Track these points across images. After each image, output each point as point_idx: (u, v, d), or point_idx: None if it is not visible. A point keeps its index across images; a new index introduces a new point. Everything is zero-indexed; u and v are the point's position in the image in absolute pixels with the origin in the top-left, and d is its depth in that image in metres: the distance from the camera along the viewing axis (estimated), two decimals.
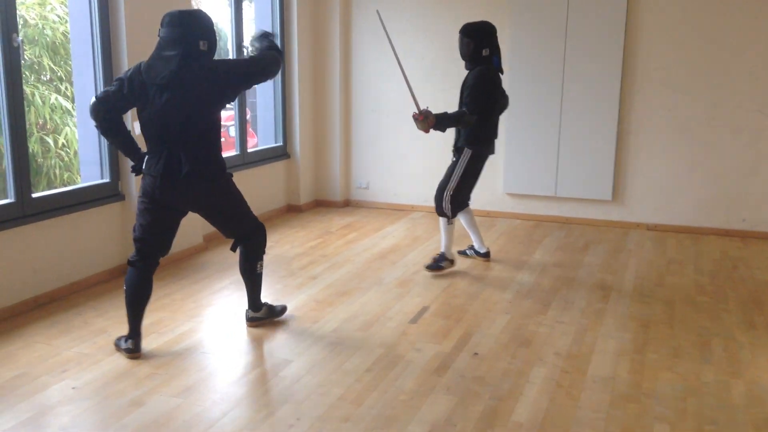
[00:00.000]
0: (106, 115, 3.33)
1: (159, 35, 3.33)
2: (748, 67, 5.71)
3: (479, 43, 4.57)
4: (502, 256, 5.32)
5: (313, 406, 2.99)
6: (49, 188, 6.12)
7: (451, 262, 4.86)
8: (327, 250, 5.49)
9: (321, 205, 7.13)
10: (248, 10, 6.59)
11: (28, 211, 4.07)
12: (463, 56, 4.67)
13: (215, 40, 3.39)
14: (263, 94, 6.78)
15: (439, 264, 4.82)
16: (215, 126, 3.48)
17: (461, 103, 4.65)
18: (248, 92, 6.40)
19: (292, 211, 6.89)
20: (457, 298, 4.38)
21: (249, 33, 6.77)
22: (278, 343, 3.69)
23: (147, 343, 3.62)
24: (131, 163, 3.51)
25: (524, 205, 6.55)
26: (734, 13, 5.67)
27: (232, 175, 3.63)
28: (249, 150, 6.31)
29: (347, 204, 7.17)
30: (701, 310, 4.18)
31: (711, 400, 3.06)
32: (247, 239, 3.74)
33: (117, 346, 3.54)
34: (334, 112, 6.94)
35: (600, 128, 6.12)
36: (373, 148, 6.97)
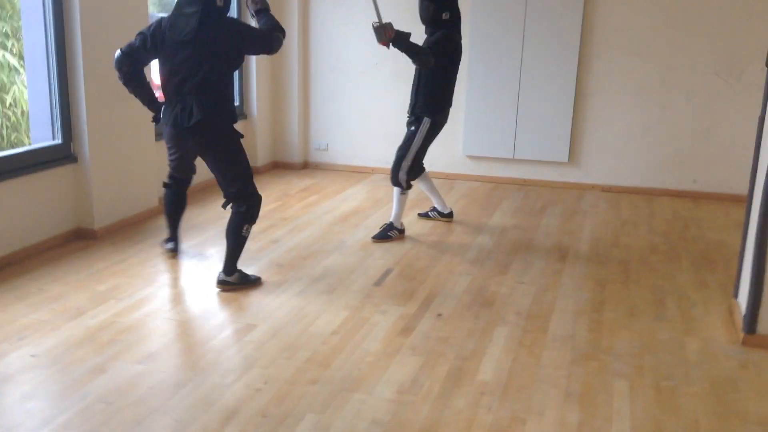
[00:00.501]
0: (130, 68, 3.72)
1: None
2: (705, 30, 5.80)
3: (440, 6, 4.46)
4: (462, 218, 5.36)
5: (280, 370, 2.99)
6: None
7: (401, 231, 4.84)
8: (287, 213, 5.45)
9: (279, 167, 7.05)
10: None
11: None
12: (423, 20, 4.55)
13: None
14: None
15: (387, 234, 4.77)
16: (229, 81, 3.78)
17: (417, 74, 4.62)
18: None
19: None
20: (420, 260, 4.41)
21: None
22: (242, 307, 3.67)
23: (105, 309, 3.55)
24: (152, 114, 3.96)
25: (483, 167, 6.59)
26: None
27: (242, 136, 3.81)
28: None
29: (306, 166, 7.10)
30: (655, 269, 4.30)
31: (667, 357, 3.18)
32: (239, 201, 3.80)
33: (162, 245, 4.35)
34: (292, 71, 6.81)
35: (558, 91, 6.17)
36: (332, 108, 6.89)
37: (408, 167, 4.72)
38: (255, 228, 4.96)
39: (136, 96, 3.89)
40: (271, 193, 6.02)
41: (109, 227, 4.75)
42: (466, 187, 6.36)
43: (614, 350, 3.22)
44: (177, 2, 3.59)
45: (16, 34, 6.17)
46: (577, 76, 6.12)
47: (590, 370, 3.03)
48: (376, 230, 4.85)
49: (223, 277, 3.84)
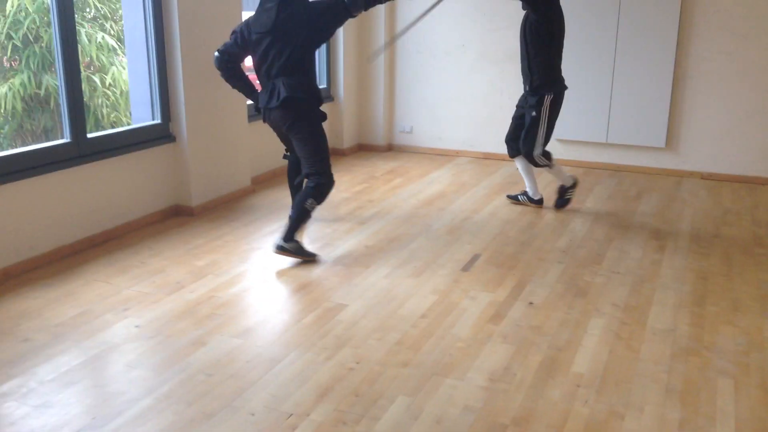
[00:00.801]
0: (227, 65, 4.02)
1: None
2: None
3: None
4: (552, 204, 5.24)
5: (371, 350, 3.01)
6: (97, 128, 6.15)
7: (574, 185, 4.99)
8: (373, 195, 5.47)
9: (364, 149, 7.08)
10: None
11: (83, 151, 4.10)
12: None
13: None
14: None
15: (564, 197, 5.00)
16: (311, 62, 3.94)
17: (525, 46, 4.57)
18: None
19: (335, 154, 6.84)
20: (509, 246, 4.34)
21: None
22: (332, 286, 3.71)
23: (204, 284, 3.67)
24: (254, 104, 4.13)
25: (574, 152, 6.41)
26: None
27: (325, 117, 4.01)
28: None
29: (390, 148, 7.10)
30: (760, 262, 4.08)
31: None
32: (312, 177, 3.98)
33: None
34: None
35: (655, 73, 5.91)
36: (417, 91, 6.85)
37: (541, 151, 4.74)
38: (343, 209, 5.04)
39: (239, 90, 4.16)
40: (357, 175, 6.06)
41: (205, 205, 4.90)
42: None
43: (717, 346, 3.08)
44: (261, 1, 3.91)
45: (114, 16, 6.41)
46: (676, 57, 5.84)
47: (692, 367, 2.91)
48: (462, 214, 4.80)
49: (280, 242, 3.95)
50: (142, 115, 4.78)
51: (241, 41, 3.94)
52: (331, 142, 6.85)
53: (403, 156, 6.84)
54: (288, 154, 4.45)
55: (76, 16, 4.04)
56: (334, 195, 5.39)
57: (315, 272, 3.89)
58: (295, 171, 4.41)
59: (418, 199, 5.36)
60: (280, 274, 3.90)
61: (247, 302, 3.50)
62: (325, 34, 4.02)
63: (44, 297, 3.48)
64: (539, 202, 5.11)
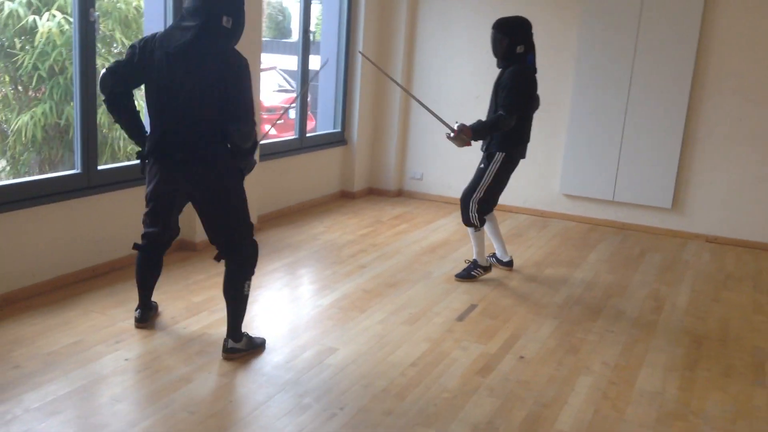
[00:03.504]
0: (115, 88, 3.17)
1: (183, 5, 3.14)
2: None
3: (514, 40, 4.29)
4: (554, 258, 5.25)
5: (356, 397, 3.02)
6: (113, 159, 6.28)
7: (485, 269, 4.65)
8: (377, 239, 5.51)
9: (374, 193, 7.16)
10: None
11: (93, 182, 4.20)
12: (496, 54, 4.38)
13: (242, 19, 3.10)
14: (325, 78, 6.82)
15: (471, 273, 4.60)
16: (225, 109, 3.10)
17: (495, 104, 4.40)
18: (310, 75, 6.45)
19: (345, 197, 6.93)
20: (506, 298, 4.35)
21: (315, 16, 6.81)
22: (325, 329, 3.73)
23: (198, 320, 3.71)
24: (137, 149, 3.28)
25: (580, 207, 6.44)
26: None
27: (242, 173, 3.27)
28: (307, 134, 6.37)
29: (400, 194, 7.17)
30: (757, 329, 4.05)
31: (762, 425, 2.98)
32: (236, 251, 3.25)
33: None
34: (394, 101, 6.93)
35: (665, 133, 5.96)
36: (429, 139, 6.94)
37: (477, 206, 4.52)
38: (345, 252, 5.08)
39: (121, 125, 3.32)
40: (364, 219, 6.11)
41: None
42: (561, 227, 6.22)
43: (705, 412, 3.05)
44: (180, 14, 3.15)
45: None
46: (686, 119, 5.89)
47: (677, 431, 2.88)
48: (464, 263, 4.80)
49: (231, 344, 3.30)
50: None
51: (139, 59, 3.11)
52: (343, 184, 6.95)
53: (412, 202, 6.90)
54: (144, 243, 3.47)
55: (101, 49, 4.16)
56: (338, 237, 5.47)
57: (310, 314, 3.92)
58: (153, 268, 3.55)
59: (421, 246, 5.39)
60: (274, 314, 3.93)
61: None
62: (223, 101, 3.11)
63: (40, 324, 3.54)
64: (509, 264, 4.88)
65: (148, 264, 3.54)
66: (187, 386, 3.02)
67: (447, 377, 3.25)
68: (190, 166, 3.15)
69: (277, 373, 3.22)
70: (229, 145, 3.17)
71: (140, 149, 3.27)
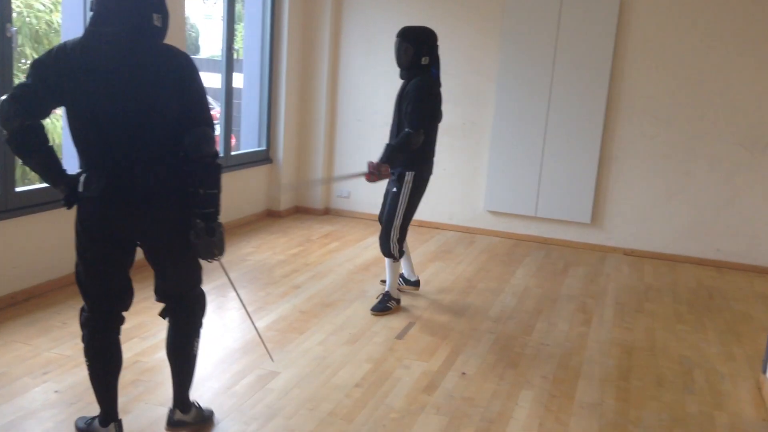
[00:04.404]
0: (25, 120, 2.38)
1: (92, 7, 2.41)
2: (731, 101, 5.85)
3: (419, 50, 4.14)
4: (483, 274, 5.34)
5: (303, 422, 2.95)
6: (23, 180, 5.95)
7: (398, 301, 4.43)
8: (309, 258, 5.45)
9: (301, 211, 7.08)
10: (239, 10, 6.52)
11: (10, 205, 3.96)
12: (400, 63, 4.22)
13: (168, 14, 2.53)
14: (248, 95, 6.72)
15: (387, 305, 4.34)
16: (177, 131, 2.49)
17: (399, 116, 4.25)
18: (233, 92, 6.32)
19: (271, 216, 6.82)
20: (442, 314, 4.39)
21: (239, 33, 6.70)
22: (265, 353, 3.63)
23: (129, 347, 3.53)
24: (61, 195, 2.52)
25: (504, 224, 6.59)
26: (720, 48, 5.81)
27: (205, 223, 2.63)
28: (232, 153, 6.25)
29: (327, 212, 7.13)
30: (682, 338, 4.25)
31: (696, 431, 3.11)
32: (185, 303, 2.77)
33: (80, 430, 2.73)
34: (319, 118, 6.90)
35: (583, 151, 6.20)
36: (356, 157, 6.94)
37: (398, 236, 4.31)
38: (277, 272, 4.99)
39: (32, 166, 2.51)
40: (293, 238, 6.04)
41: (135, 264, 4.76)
42: (487, 242, 6.35)
43: (643, 422, 3.16)
44: (92, 18, 2.41)
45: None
46: (602, 138, 6.16)
47: None
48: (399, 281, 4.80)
49: (179, 416, 2.82)
50: (74, 167, 4.65)
51: (56, 81, 2.39)
52: (268, 203, 6.84)
53: (340, 220, 6.88)
54: (93, 319, 2.65)
55: (22, 66, 3.95)
56: (269, 257, 5.37)
57: (246, 337, 3.82)
58: (113, 356, 2.69)
59: (354, 264, 5.37)
60: (211, 338, 3.80)
61: None
62: (182, 111, 2.49)
63: None
64: (416, 284, 4.74)
65: (106, 352, 2.64)
66: (124, 418, 2.86)
67: (393, 397, 3.23)
68: (150, 206, 2.51)
69: (219, 400, 3.11)
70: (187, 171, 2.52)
71: (65, 191, 2.49)
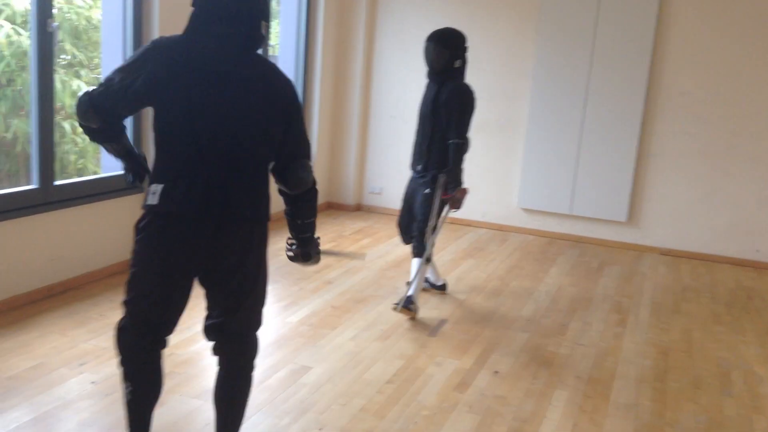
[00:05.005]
0: (105, 122, 2.25)
1: (195, 4, 2.20)
2: None
3: (454, 54, 4.08)
4: (517, 272, 5.30)
5: (335, 417, 2.96)
6: (61, 174, 6.06)
7: (416, 310, 4.16)
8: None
9: (332, 207, 7.10)
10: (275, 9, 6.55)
11: (50, 198, 4.03)
12: (435, 67, 4.11)
13: (270, 25, 2.34)
14: None
15: (408, 306, 4.09)
16: (271, 157, 2.30)
17: (432, 122, 4.16)
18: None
19: None
20: (475, 312, 4.36)
21: (275, 30, 6.73)
22: (297, 347, 3.65)
23: None
24: (128, 174, 2.42)
25: (538, 221, 6.52)
26: (761, 45, 5.67)
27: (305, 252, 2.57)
28: None
29: (359, 208, 7.13)
30: (719, 340, 4.16)
31: None
32: (247, 344, 2.44)
33: None
34: (353, 114, 6.91)
35: (620, 149, 6.11)
36: (389, 153, 6.94)
37: (431, 237, 4.20)
38: (310, 267, 5.00)
39: (109, 150, 2.39)
40: (325, 233, 6.05)
41: None
42: (520, 240, 6.29)
43: (679, 424, 3.10)
44: (195, 16, 2.18)
45: (89, 64, 6.41)
46: (640, 134, 6.06)
47: None
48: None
49: None
50: (111, 163, 4.73)
51: (167, 76, 2.13)
52: None
53: (372, 216, 6.88)
54: (140, 334, 2.32)
55: (62, 61, 4.01)
56: None
57: (280, 332, 3.84)
58: (154, 382, 2.39)
59: (386, 261, 5.36)
60: None
61: (207, 361, 3.41)
62: (274, 144, 2.27)
63: None
64: (442, 288, 4.68)
65: (151, 380, 2.35)
66: (158, 409, 2.87)
67: (424, 394, 3.22)
68: (235, 228, 2.23)
69: (252, 394, 3.10)
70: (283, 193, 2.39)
71: (134, 169, 2.40)
